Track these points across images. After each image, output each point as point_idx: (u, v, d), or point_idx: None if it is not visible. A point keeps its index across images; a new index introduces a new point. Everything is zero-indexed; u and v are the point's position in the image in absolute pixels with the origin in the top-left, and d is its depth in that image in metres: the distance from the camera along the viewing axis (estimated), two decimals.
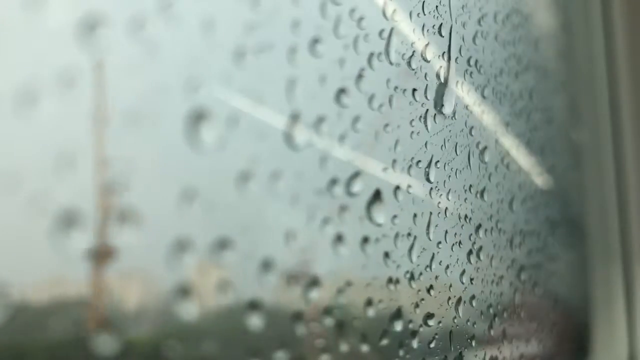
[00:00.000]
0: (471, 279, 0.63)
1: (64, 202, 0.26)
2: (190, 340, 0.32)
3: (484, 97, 0.72)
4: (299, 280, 0.38)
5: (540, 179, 1.00)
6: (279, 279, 0.37)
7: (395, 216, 0.49)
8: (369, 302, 0.45)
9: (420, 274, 0.53)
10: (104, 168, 0.28)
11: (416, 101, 0.54)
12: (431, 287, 0.54)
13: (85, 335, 0.28)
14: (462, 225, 0.62)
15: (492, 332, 0.68)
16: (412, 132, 0.53)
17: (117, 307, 0.29)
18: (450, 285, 0.58)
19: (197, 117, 0.32)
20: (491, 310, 0.69)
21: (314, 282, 0.40)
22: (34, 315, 0.26)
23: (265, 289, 0.36)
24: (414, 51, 0.54)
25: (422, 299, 0.53)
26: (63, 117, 0.27)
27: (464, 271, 0.61)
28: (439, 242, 0.56)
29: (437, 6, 0.58)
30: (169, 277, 0.31)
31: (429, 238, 0.55)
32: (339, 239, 0.43)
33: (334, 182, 0.43)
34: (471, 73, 0.68)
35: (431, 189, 0.56)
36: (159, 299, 0.31)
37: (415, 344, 0.51)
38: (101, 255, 0.28)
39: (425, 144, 0.55)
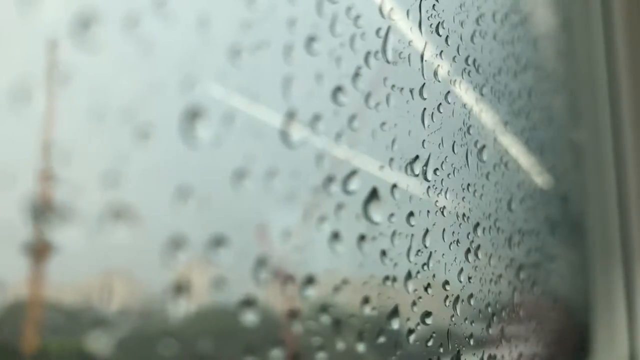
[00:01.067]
0: (469, 278, 0.63)
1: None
2: (184, 338, 0.32)
3: (482, 95, 0.72)
4: (276, 279, 0.38)
5: (539, 178, 1.00)
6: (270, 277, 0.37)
7: (392, 214, 0.49)
8: (365, 301, 0.45)
9: (418, 272, 0.53)
10: (47, 154, 0.27)
11: (413, 99, 0.54)
12: (429, 285, 0.54)
13: (16, 338, 0.26)
14: (460, 224, 0.62)
15: (490, 331, 0.68)
16: (410, 130, 0.53)
17: (108, 305, 0.29)
18: (448, 284, 0.58)
19: (193, 115, 0.32)
20: (489, 309, 0.69)
21: (309, 280, 0.40)
22: None
23: (260, 286, 0.36)
24: (411, 50, 0.54)
25: (420, 297, 0.53)
26: (58, 114, 0.27)
27: (461, 270, 0.61)
28: (437, 241, 0.56)
29: (434, 4, 0.58)
30: (163, 275, 0.31)
31: (427, 236, 0.55)
32: (335, 237, 0.43)
33: (330, 180, 0.43)
34: (469, 72, 0.68)
35: (429, 187, 0.56)
36: (152, 296, 0.31)
37: (412, 342, 0.51)
38: (38, 251, 0.26)
39: (423, 142, 0.55)
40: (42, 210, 0.26)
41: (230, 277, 0.34)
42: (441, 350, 0.56)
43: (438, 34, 0.59)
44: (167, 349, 0.31)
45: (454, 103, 0.62)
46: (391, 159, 0.50)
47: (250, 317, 0.35)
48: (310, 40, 0.42)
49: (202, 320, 0.33)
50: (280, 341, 0.37)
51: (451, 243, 0.59)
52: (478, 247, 0.66)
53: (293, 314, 0.39)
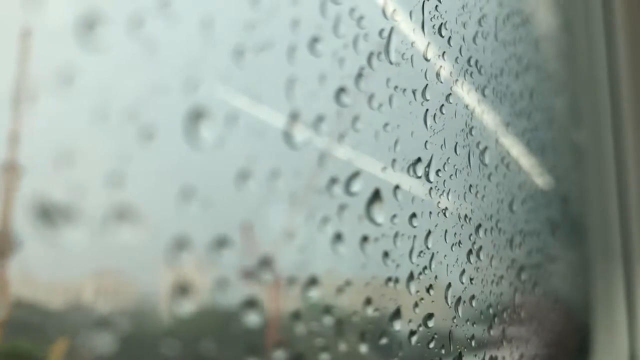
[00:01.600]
0: (471, 279, 0.63)
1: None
2: (185, 338, 0.32)
3: (484, 97, 0.72)
4: (254, 277, 0.37)
5: (540, 179, 1.00)
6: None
7: (394, 216, 0.49)
8: (368, 302, 0.45)
9: (420, 273, 0.53)
10: (14, 145, 0.26)
11: (416, 101, 0.54)
12: (430, 286, 0.54)
13: None
14: (462, 225, 0.62)
15: (491, 333, 0.68)
16: (412, 131, 0.53)
17: (103, 306, 0.29)
18: (450, 285, 0.58)
19: (197, 116, 0.32)
20: (491, 310, 0.69)
21: (312, 281, 0.40)
22: None
23: (263, 287, 0.36)
24: (413, 51, 0.54)
25: (422, 299, 0.53)
26: (62, 115, 0.27)
27: (463, 271, 0.61)
28: (439, 242, 0.56)
29: (436, 6, 0.58)
30: (165, 275, 0.31)
31: (429, 238, 0.55)
32: (338, 238, 0.43)
33: (333, 181, 0.43)
34: (472, 73, 0.68)
35: (431, 188, 0.56)
36: (154, 297, 0.31)
37: (414, 343, 0.51)
38: (0, 248, 0.25)
39: (425, 143, 0.55)
40: (6, 204, 0.25)
41: (232, 277, 0.34)
42: (443, 351, 0.56)
43: (441, 35, 0.59)
44: (168, 349, 0.31)
45: (457, 104, 0.62)
46: (394, 160, 0.50)
47: (252, 318, 0.35)
48: (314, 41, 0.42)
49: (203, 321, 0.33)
50: (265, 339, 0.37)
51: (453, 244, 0.59)
52: (480, 248, 0.66)
53: (287, 314, 0.39)
